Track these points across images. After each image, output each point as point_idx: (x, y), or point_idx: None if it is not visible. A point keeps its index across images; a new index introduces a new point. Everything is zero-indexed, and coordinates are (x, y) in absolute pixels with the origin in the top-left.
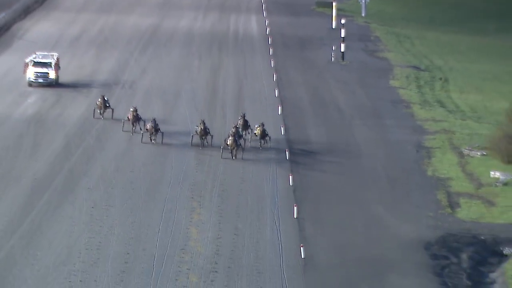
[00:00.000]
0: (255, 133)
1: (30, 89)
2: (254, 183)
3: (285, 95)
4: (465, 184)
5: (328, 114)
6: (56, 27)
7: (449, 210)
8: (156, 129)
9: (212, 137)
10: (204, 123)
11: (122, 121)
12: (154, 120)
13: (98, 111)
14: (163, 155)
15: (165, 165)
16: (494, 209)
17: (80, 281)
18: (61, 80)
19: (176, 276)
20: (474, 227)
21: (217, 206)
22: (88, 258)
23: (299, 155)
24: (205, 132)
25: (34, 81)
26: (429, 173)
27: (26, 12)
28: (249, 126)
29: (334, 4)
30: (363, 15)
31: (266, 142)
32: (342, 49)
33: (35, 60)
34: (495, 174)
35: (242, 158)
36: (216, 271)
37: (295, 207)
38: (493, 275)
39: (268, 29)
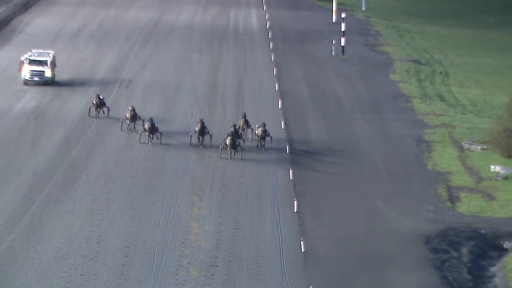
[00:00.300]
0: (256, 133)
1: (26, 87)
2: (254, 177)
3: (285, 89)
4: (465, 178)
5: (328, 108)
6: (56, 21)
7: (449, 204)
8: (154, 129)
9: (211, 137)
10: (202, 122)
11: (121, 120)
12: (152, 120)
13: (94, 110)
14: (163, 149)
15: (165, 159)
16: (494, 203)
17: (81, 274)
18: (61, 73)
19: (177, 270)
20: (474, 221)
21: (217, 200)
22: (89, 252)
23: (299, 149)
24: (203, 131)
25: (29, 79)
26: (429, 167)
27: (26, 6)
28: (250, 126)
29: None
30: (363, 9)
31: (267, 142)
32: (342, 43)
33: (30, 58)
34: (495, 168)
35: (241, 158)
36: (216, 265)
37: (295, 201)
38: (493, 269)
39: (268, 23)
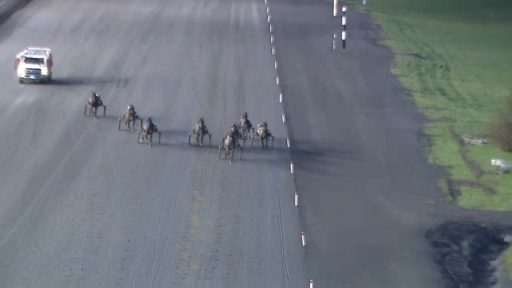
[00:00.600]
0: (257, 133)
1: (22, 86)
2: (255, 171)
3: (286, 83)
4: (466, 172)
5: (329, 102)
6: (56, 15)
7: (450, 198)
8: (152, 129)
9: (210, 136)
10: (202, 122)
11: (119, 119)
12: (150, 120)
13: (90, 109)
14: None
15: (166, 153)
16: (495, 197)
17: (81, 268)
18: (62, 67)
19: (177, 264)
20: (475, 215)
21: (218, 194)
22: (89, 246)
23: (300, 143)
24: (203, 131)
25: (25, 78)
26: (430, 161)
27: (26, 0)
28: (251, 125)
29: None
30: (364, 3)
31: (269, 142)
32: (343, 37)
33: (26, 56)
34: (496, 162)
35: (240, 159)
36: (217, 259)
37: (296, 195)
38: (493, 263)
39: (269, 17)
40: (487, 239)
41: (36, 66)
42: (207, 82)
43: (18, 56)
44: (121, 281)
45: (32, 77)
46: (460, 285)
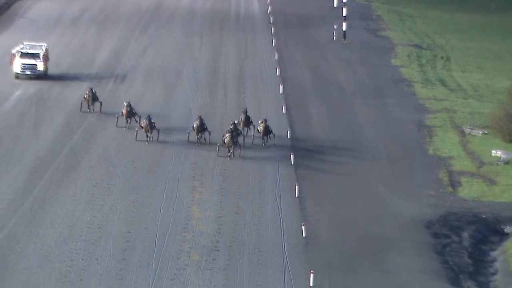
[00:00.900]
0: (258, 130)
1: (17, 81)
2: (255, 162)
3: (287, 74)
4: (467, 163)
5: (329, 93)
6: (57, 5)
7: (450, 189)
8: (151, 126)
9: (210, 133)
10: (201, 119)
11: (116, 116)
12: (149, 117)
13: (86, 104)
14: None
15: (166, 144)
16: (496, 187)
17: (82, 259)
18: (63, 57)
19: (178, 255)
20: (475, 205)
21: (218, 185)
22: (90, 237)
23: (301, 134)
24: (202, 128)
25: (21, 73)
26: (431, 151)
27: None
28: (252, 122)
29: None
30: None
31: (270, 139)
32: (344, 28)
33: (22, 50)
34: (497, 153)
35: (239, 156)
36: (217, 250)
37: (296, 186)
38: (494, 254)
39: (269, 7)
40: (487, 230)
41: (32, 61)
42: (208, 73)
43: (13, 51)
44: (122, 272)
45: (28, 72)
46: (461, 276)
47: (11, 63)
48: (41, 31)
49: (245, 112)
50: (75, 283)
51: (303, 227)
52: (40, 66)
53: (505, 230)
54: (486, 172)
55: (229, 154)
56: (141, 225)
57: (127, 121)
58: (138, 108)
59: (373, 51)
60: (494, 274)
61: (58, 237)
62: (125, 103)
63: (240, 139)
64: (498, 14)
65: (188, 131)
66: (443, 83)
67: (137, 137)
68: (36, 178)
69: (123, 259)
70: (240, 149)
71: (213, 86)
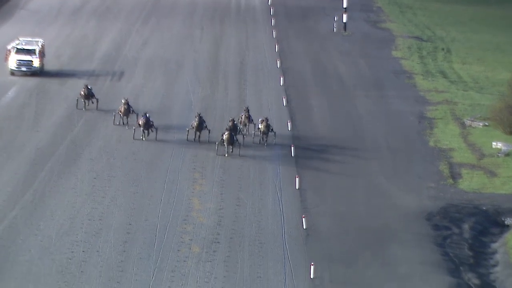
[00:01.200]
0: (259, 128)
1: (13, 78)
2: (256, 154)
3: (287, 66)
4: (467, 154)
5: (330, 85)
6: None
7: (450, 180)
8: (149, 124)
9: (209, 132)
10: (200, 117)
11: (113, 114)
12: (147, 115)
13: (82, 102)
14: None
15: (167, 137)
16: (496, 179)
17: (83, 251)
18: (63, 49)
19: (178, 247)
20: (475, 197)
21: (219, 177)
22: (91, 229)
23: (301, 126)
24: (201, 126)
25: (16, 69)
26: (431, 143)
27: None
28: (252, 121)
29: None
30: None
31: (271, 138)
32: (344, 20)
33: (18, 47)
34: (497, 144)
35: (239, 155)
36: (218, 242)
37: (296, 178)
38: (494, 245)
39: None
40: (488, 222)
41: (27, 57)
42: (208, 65)
43: (9, 47)
44: (122, 264)
45: (23, 69)
46: (461, 268)
47: (6, 59)
48: (42, 23)
49: (247, 110)
50: (76, 274)
51: (303, 219)
52: (36, 63)
53: (506, 222)
54: (487, 164)
55: (228, 151)
56: (142, 217)
57: (123, 120)
58: (139, 100)
59: (374, 43)
60: (494, 266)
61: (59, 229)
62: (122, 101)
63: (240, 137)
64: (499, 6)
65: (187, 129)
66: (444, 75)
67: (135, 135)
68: (37, 170)
69: (124, 251)
70: (240, 148)
71: (213, 78)
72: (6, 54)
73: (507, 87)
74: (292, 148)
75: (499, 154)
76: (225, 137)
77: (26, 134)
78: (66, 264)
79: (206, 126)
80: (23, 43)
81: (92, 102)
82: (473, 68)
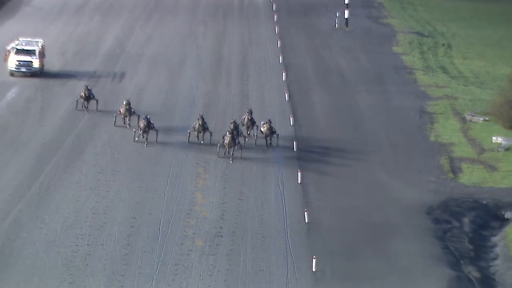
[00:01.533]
0: (261, 131)
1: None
2: (258, 149)
3: (289, 62)
4: (467, 149)
5: (331, 80)
6: None
7: (451, 175)
8: (149, 127)
9: (211, 134)
10: (202, 119)
11: (114, 115)
12: (147, 118)
13: (82, 103)
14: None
15: (170, 128)
16: (496, 174)
17: (87, 244)
18: (67, 45)
19: (182, 240)
20: (476, 191)
21: (221, 172)
22: (95, 222)
23: (303, 121)
24: (203, 128)
25: (16, 70)
26: (432, 138)
27: None
28: (255, 123)
29: None
30: None
31: (274, 139)
32: (346, 16)
33: (17, 47)
34: (497, 139)
35: (241, 157)
36: (221, 236)
37: (299, 173)
38: (494, 239)
39: None
40: (488, 216)
41: (27, 58)
42: (211, 61)
43: (8, 48)
44: (127, 257)
45: (23, 69)
46: (461, 261)
47: (5, 60)
48: (46, 19)
49: (250, 112)
50: (81, 268)
51: (305, 213)
52: (36, 63)
53: (506, 216)
54: (487, 158)
55: (229, 154)
56: (146, 211)
57: (124, 121)
58: (143, 96)
59: (375, 38)
60: (494, 259)
61: (63, 222)
62: (124, 102)
63: (242, 140)
64: (499, 2)
65: (189, 131)
66: (444, 70)
67: (135, 138)
68: (42, 164)
69: (128, 244)
70: (242, 150)
71: (216, 74)
72: (6, 55)
73: (507, 82)
74: (294, 143)
75: (499, 149)
76: (226, 140)
77: (32, 128)
78: (71, 257)
79: (208, 128)
80: (23, 44)
81: (88, 105)
82: (474, 63)
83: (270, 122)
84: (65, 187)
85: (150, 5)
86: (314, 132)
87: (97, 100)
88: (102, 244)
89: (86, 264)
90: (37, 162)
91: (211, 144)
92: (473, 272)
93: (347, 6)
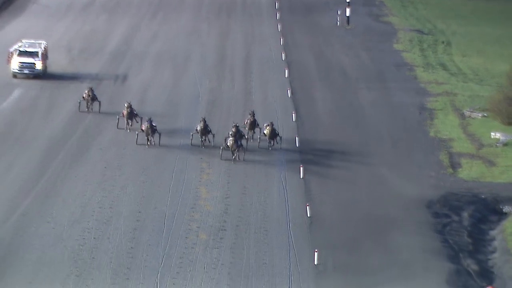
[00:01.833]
0: (264, 133)
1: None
2: (261, 144)
3: (292, 59)
4: (466, 144)
5: (333, 77)
6: None
7: (450, 170)
8: (152, 129)
9: (213, 136)
10: (204, 121)
11: (117, 117)
12: (150, 120)
13: (85, 104)
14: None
15: (175, 124)
16: (495, 168)
17: (94, 238)
18: (74, 43)
19: (186, 234)
20: (475, 186)
21: (225, 167)
22: (101, 216)
23: (305, 117)
24: (205, 130)
25: (19, 72)
26: (432, 134)
27: None
28: (258, 125)
29: None
30: None
31: (277, 142)
32: (347, 14)
33: (20, 49)
34: (496, 135)
35: (243, 160)
36: (224, 229)
37: (301, 168)
38: (493, 233)
39: None
40: (486, 210)
41: (30, 60)
42: (215, 58)
43: (11, 50)
44: (132, 250)
45: (26, 71)
46: (460, 254)
47: (8, 61)
48: (53, 17)
49: (253, 114)
50: (87, 261)
51: (307, 207)
52: (39, 65)
53: (504, 210)
54: (486, 153)
55: (233, 157)
56: (151, 205)
57: (127, 123)
58: (148, 92)
59: (376, 36)
60: (493, 252)
61: (70, 216)
62: (125, 104)
63: (244, 142)
64: (499, 0)
65: (191, 133)
66: (444, 67)
67: (138, 140)
68: (49, 160)
69: (134, 238)
70: (244, 153)
71: (220, 71)
72: (9, 57)
73: (505, 79)
74: (296, 138)
75: (497, 144)
76: (229, 143)
77: (38, 124)
78: (77, 251)
79: (210, 130)
80: (26, 45)
81: (93, 106)
82: (473, 61)
83: (272, 124)
84: (72, 182)
85: (155, 3)
86: (316, 128)
87: (99, 102)
88: (108, 238)
89: (93, 257)
90: (44, 157)
91: (214, 146)
92: (471, 265)
93: (349, 4)
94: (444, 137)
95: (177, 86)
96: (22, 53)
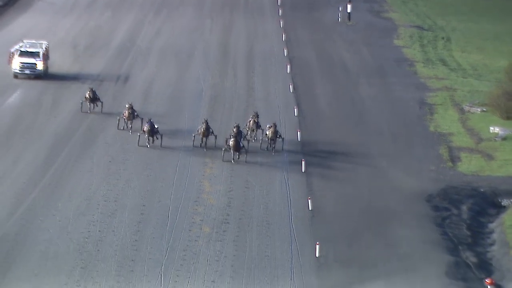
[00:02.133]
0: (267, 134)
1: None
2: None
3: (294, 55)
4: (466, 139)
5: (335, 73)
6: None
7: (450, 164)
8: (153, 131)
9: (216, 137)
10: (206, 123)
11: (117, 118)
12: (151, 121)
13: (87, 105)
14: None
15: (178, 124)
16: (493, 162)
17: (99, 231)
18: (79, 40)
19: (190, 227)
20: (474, 180)
21: (228, 162)
22: (106, 210)
23: (307, 112)
24: (207, 132)
25: (20, 72)
26: (431, 128)
27: None
28: (260, 126)
29: None
30: None
31: (279, 144)
32: (349, 10)
33: (21, 49)
34: (495, 129)
35: (245, 161)
36: (227, 222)
37: (303, 162)
38: (491, 225)
39: None
40: (485, 203)
41: (31, 60)
42: (218, 54)
43: (12, 50)
44: (137, 243)
45: (27, 71)
46: (460, 247)
47: (9, 61)
48: (59, 14)
49: (256, 115)
50: (92, 253)
51: (309, 200)
52: (40, 65)
53: (502, 203)
54: (485, 147)
55: (232, 158)
56: (155, 198)
57: (127, 125)
58: (152, 88)
59: (377, 32)
60: (491, 245)
61: (76, 209)
62: (126, 105)
63: (245, 143)
64: None
65: (193, 134)
66: (444, 62)
67: (139, 142)
68: (55, 155)
69: (138, 231)
70: (246, 154)
71: (223, 66)
72: (10, 57)
73: (504, 74)
74: (298, 133)
75: (496, 139)
76: (231, 143)
77: (44, 120)
78: (83, 243)
79: (212, 132)
80: (27, 46)
81: (97, 105)
82: (472, 56)
83: (275, 125)
84: (77, 176)
85: (158, 0)
86: (318, 123)
87: (101, 102)
88: (113, 231)
89: (98, 250)
90: (50, 152)
91: (216, 148)
92: (471, 258)
93: (350, 0)
94: (444, 131)
95: (181, 82)
96: (23, 53)
